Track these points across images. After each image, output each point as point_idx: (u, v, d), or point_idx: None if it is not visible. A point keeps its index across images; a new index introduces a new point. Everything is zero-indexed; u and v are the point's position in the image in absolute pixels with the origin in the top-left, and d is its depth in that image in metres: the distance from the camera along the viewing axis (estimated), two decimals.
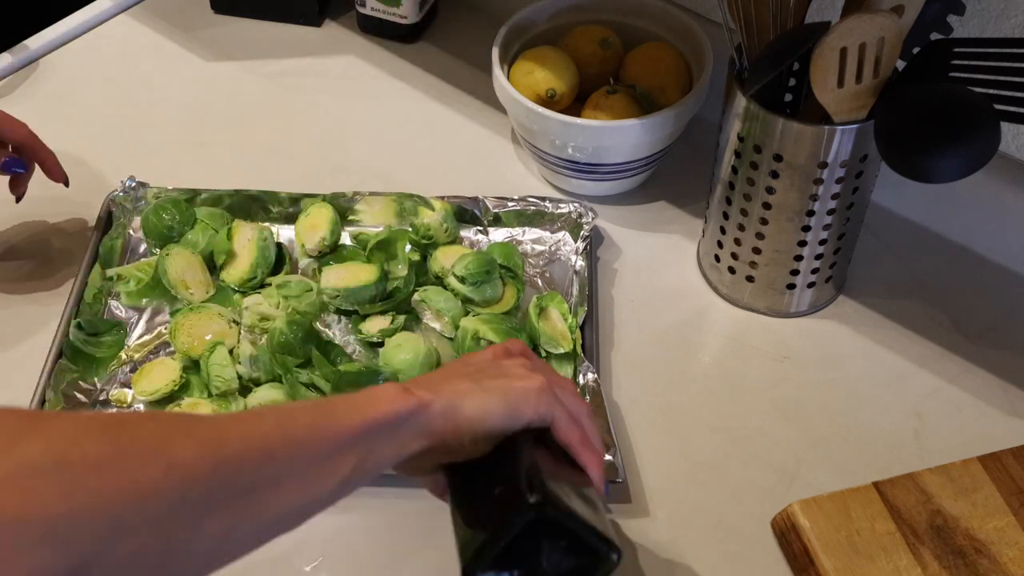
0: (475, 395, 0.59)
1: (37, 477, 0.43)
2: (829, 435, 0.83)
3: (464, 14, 1.20)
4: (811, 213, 0.83)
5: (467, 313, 0.89)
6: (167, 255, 0.90)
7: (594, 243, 0.96)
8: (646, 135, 0.92)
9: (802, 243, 0.85)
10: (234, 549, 0.51)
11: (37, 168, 0.92)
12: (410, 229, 0.95)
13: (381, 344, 0.87)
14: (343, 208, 0.96)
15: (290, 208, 0.97)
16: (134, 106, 1.11)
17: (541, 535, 0.58)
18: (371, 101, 1.12)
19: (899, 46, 0.73)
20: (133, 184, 0.97)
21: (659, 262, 0.96)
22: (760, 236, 0.86)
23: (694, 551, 0.76)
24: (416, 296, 0.90)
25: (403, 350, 0.85)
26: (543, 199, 0.96)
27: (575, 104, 0.99)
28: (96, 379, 0.86)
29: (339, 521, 0.78)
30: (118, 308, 0.91)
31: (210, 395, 0.84)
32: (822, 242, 0.85)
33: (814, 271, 0.88)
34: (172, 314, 0.89)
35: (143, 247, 0.96)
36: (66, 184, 0.94)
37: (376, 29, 1.18)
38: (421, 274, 0.92)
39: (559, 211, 0.96)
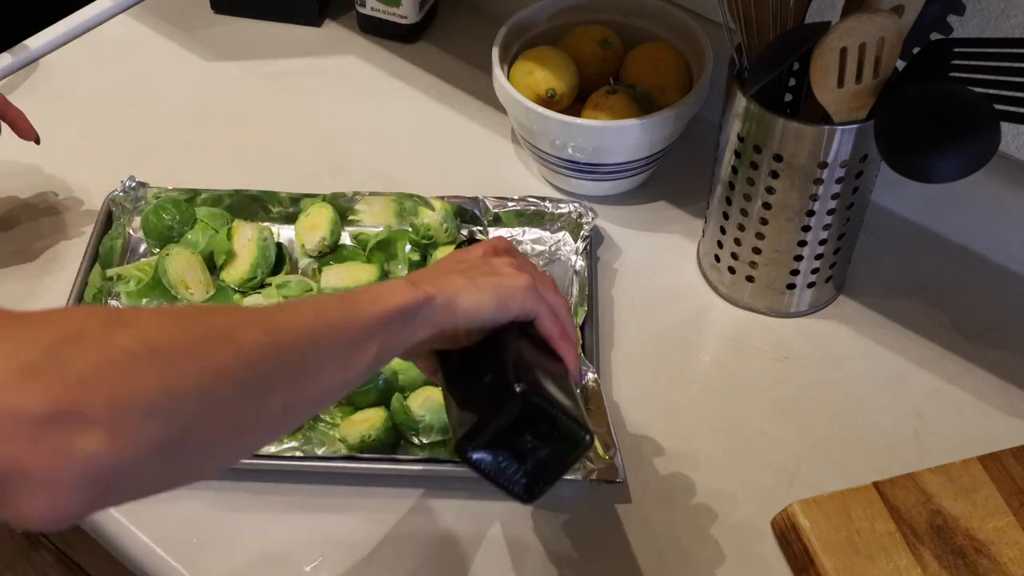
0: (469, 290, 0.65)
1: (136, 361, 0.48)
2: (829, 435, 0.83)
3: (464, 14, 1.20)
4: (811, 213, 0.83)
5: None
6: (167, 255, 0.90)
7: (594, 243, 0.96)
8: (646, 135, 0.92)
9: (802, 243, 0.85)
10: (289, 423, 0.58)
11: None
12: (410, 229, 0.95)
13: None
14: (343, 208, 0.96)
15: (290, 208, 0.97)
16: (134, 106, 1.11)
17: (524, 418, 0.64)
18: (371, 101, 1.12)
19: (899, 46, 0.73)
20: (133, 184, 0.97)
21: (659, 262, 0.96)
22: (760, 236, 0.86)
23: (694, 551, 0.76)
24: None
25: None
26: (543, 199, 0.96)
27: (575, 104, 0.99)
28: None
29: (339, 521, 0.78)
30: None
31: None
32: (822, 242, 0.85)
33: (814, 271, 0.88)
34: None
35: (143, 247, 0.96)
36: (37, 142, 0.95)
37: (376, 29, 1.18)
38: None
39: (559, 211, 0.96)
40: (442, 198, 0.96)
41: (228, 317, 0.56)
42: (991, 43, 0.73)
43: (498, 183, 1.02)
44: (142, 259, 0.94)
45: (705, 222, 0.93)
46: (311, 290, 0.90)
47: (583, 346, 0.85)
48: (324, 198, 0.96)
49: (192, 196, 0.96)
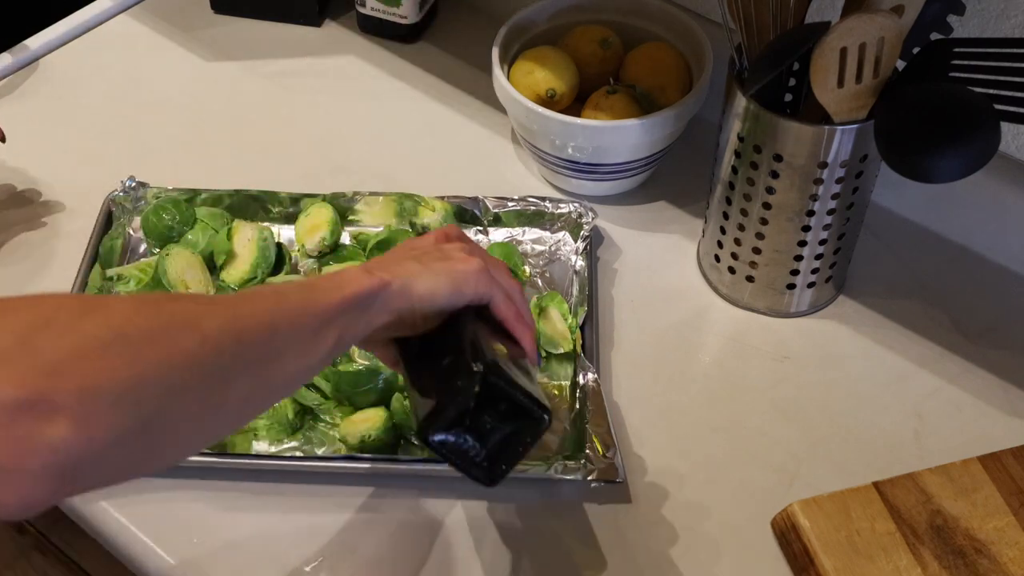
0: (424, 276, 0.66)
1: (105, 349, 0.49)
2: (829, 435, 0.83)
3: (464, 14, 1.20)
4: (811, 213, 0.83)
5: None
6: (167, 255, 0.90)
7: (594, 243, 0.96)
8: (646, 135, 0.92)
9: (802, 243, 0.85)
10: (251, 410, 0.60)
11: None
12: (410, 229, 0.95)
13: None
14: (343, 208, 0.96)
15: (290, 208, 0.97)
16: (134, 106, 1.11)
17: (483, 400, 0.64)
18: (371, 101, 1.12)
19: (899, 46, 0.73)
20: (133, 184, 0.97)
21: (659, 262, 0.96)
22: (760, 236, 0.86)
23: (694, 551, 0.76)
24: None
25: None
26: (543, 199, 0.96)
27: (575, 104, 0.99)
28: None
29: (339, 521, 0.78)
30: None
31: None
32: (822, 242, 0.85)
33: (814, 271, 0.88)
34: None
35: (143, 247, 0.96)
36: (2, 140, 0.95)
37: (376, 29, 1.18)
38: None
39: (559, 211, 0.96)
40: (442, 198, 0.96)
41: (194, 304, 0.56)
42: (991, 43, 0.73)
43: (498, 183, 1.02)
44: (142, 259, 0.94)
45: (705, 222, 0.93)
46: None
47: (583, 346, 0.85)
48: (324, 198, 0.96)
49: (192, 196, 0.96)
